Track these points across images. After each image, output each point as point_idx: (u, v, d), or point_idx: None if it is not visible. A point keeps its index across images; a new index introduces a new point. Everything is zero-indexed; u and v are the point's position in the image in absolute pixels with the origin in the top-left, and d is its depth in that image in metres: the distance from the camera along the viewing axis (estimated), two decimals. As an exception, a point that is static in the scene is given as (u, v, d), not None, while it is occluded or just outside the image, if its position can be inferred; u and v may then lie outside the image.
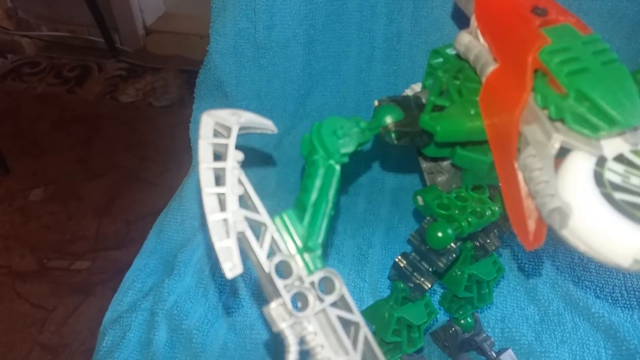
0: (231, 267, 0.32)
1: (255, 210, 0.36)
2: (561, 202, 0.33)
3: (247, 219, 0.35)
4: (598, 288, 0.68)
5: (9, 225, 1.44)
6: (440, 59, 0.47)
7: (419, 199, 0.51)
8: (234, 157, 0.36)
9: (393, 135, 0.44)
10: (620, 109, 0.33)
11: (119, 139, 1.68)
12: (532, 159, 0.36)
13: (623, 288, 0.68)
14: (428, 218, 0.50)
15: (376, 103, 0.46)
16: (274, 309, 0.32)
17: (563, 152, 0.36)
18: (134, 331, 0.63)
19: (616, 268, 0.33)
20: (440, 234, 0.48)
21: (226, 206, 0.34)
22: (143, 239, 0.78)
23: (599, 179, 0.34)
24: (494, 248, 0.54)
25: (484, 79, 0.41)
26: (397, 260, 0.53)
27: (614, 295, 0.67)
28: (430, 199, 0.50)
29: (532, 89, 0.37)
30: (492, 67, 0.41)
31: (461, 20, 0.47)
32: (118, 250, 1.36)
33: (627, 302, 0.67)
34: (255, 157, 0.83)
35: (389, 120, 0.44)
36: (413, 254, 0.52)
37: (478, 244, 0.55)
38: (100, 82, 1.90)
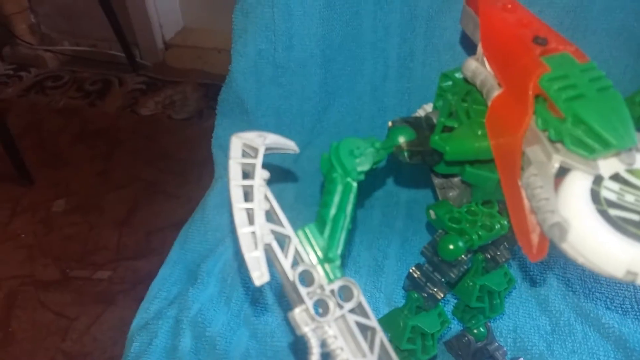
0: (259, 276, 0.35)
1: (280, 224, 0.39)
2: (560, 218, 0.35)
3: (273, 232, 0.38)
4: (608, 299, 0.70)
5: (32, 235, 1.48)
6: (450, 82, 0.50)
7: (431, 212, 0.54)
8: (261, 175, 0.39)
9: (406, 154, 0.47)
10: (614, 132, 0.36)
11: (139, 151, 1.72)
12: (534, 177, 0.39)
13: (633, 300, 0.70)
14: (440, 231, 0.53)
15: (390, 124, 0.49)
16: (298, 314, 0.35)
17: (563, 172, 0.39)
18: (160, 338, 0.66)
19: (611, 279, 0.36)
20: (451, 247, 0.50)
21: (254, 220, 0.37)
22: (163, 250, 0.80)
23: (595, 196, 0.37)
24: (504, 260, 0.57)
25: (489, 103, 0.44)
26: (411, 271, 0.55)
27: (624, 306, 0.70)
28: (442, 213, 0.53)
29: (533, 113, 0.40)
30: (496, 92, 0.44)
31: (471, 40, 0.50)
32: (138, 260, 1.39)
33: (638, 314, 0.69)
34: (275, 171, 0.86)
35: (401, 140, 0.47)
36: (426, 265, 0.54)
37: (489, 256, 0.57)
38: (120, 96, 1.95)
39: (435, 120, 0.49)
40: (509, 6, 0.47)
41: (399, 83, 0.83)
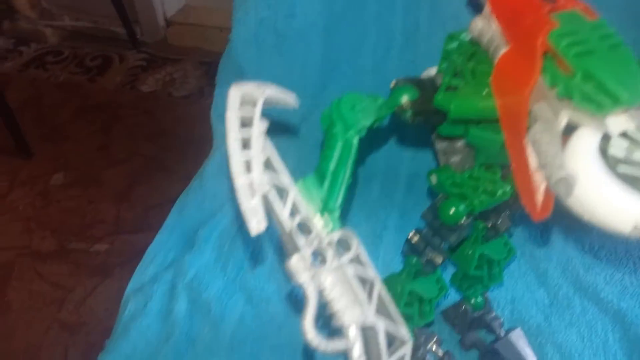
0: (256, 224, 0.35)
1: (279, 174, 0.39)
2: (567, 173, 0.35)
3: (271, 182, 0.38)
4: (608, 275, 0.70)
5: (30, 208, 1.47)
6: (455, 44, 0.50)
7: (433, 177, 0.53)
8: (259, 125, 0.39)
9: (409, 113, 0.47)
10: (624, 88, 0.35)
11: (138, 127, 1.71)
12: (540, 134, 0.38)
13: (633, 276, 0.70)
14: (441, 195, 0.53)
15: (393, 83, 0.49)
16: (295, 262, 0.35)
17: (570, 131, 0.38)
18: (155, 301, 0.66)
19: (617, 234, 0.35)
20: (452, 210, 0.50)
21: (252, 169, 0.37)
22: (161, 225, 0.80)
23: (603, 152, 0.36)
24: (505, 228, 0.57)
25: (496, 61, 0.44)
26: (410, 235, 0.55)
27: (623, 282, 0.69)
28: (443, 177, 0.52)
29: (541, 70, 0.39)
30: (504, 50, 0.43)
31: (476, 10, 0.49)
32: (136, 234, 1.39)
33: (637, 289, 0.68)
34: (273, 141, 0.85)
35: (405, 99, 0.47)
36: (426, 229, 0.54)
37: (490, 224, 0.57)
38: (121, 72, 1.94)
39: (439, 82, 0.48)
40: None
41: (403, 56, 0.82)
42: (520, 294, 0.69)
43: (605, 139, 0.37)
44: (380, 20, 0.80)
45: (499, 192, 0.50)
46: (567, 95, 0.38)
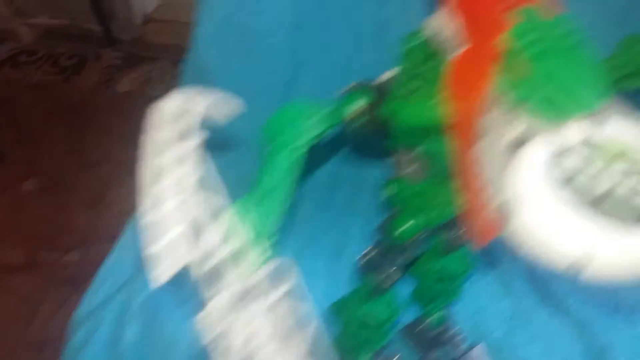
0: (161, 273, 0.30)
1: (213, 193, 0.34)
2: (511, 195, 0.32)
3: (203, 204, 0.33)
4: (570, 284, 0.66)
5: (1, 215, 1.42)
6: (414, 43, 0.46)
7: (387, 190, 0.50)
8: (196, 138, 0.34)
9: (359, 121, 0.43)
10: (581, 95, 0.33)
11: (114, 129, 1.65)
12: (488, 147, 0.35)
13: (595, 286, 0.66)
14: (394, 210, 0.49)
15: (346, 88, 0.45)
16: (215, 307, 0.30)
17: (523, 142, 0.34)
18: (105, 326, 0.62)
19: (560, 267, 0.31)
20: (406, 226, 0.47)
21: (184, 187, 0.32)
22: (135, 232, 0.75)
23: (555, 167, 0.33)
24: (463, 241, 0.53)
25: (450, 62, 0.40)
26: (364, 253, 0.52)
27: (587, 290, 0.66)
28: (397, 190, 0.49)
29: (495, 74, 0.36)
30: (458, 51, 0.39)
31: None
32: (110, 243, 1.33)
33: (599, 300, 0.66)
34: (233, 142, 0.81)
35: (355, 106, 0.43)
36: (380, 247, 0.51)
37: (448, 237, 0.53)
38: (96, 71, 1.88)
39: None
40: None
41: (373, 54, 0.78)
42: (482, 306, 0.66)
43: (558, 151, 0.33)
44: (350, 16, 0.76)
45: (454, 206, 0.46)
46: (521, 101, 0.34)
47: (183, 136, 0.35)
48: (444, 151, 0.42)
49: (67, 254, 1.32)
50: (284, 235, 0.70)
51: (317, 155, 0.40)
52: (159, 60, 1.87)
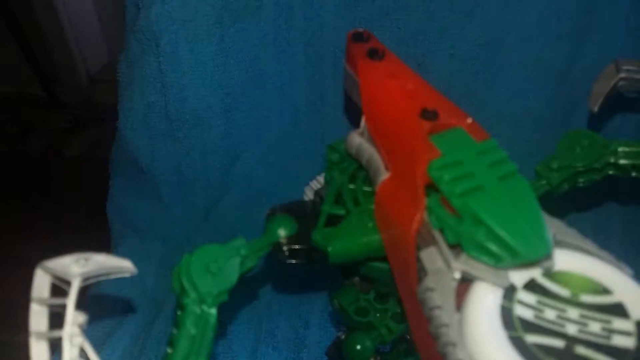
0: None
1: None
2: (464, 355, 0.27)
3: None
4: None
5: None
6: (337, 156, 0.42)
7: (335, 302, 0.46)
8: (74, 320, 0.30)
9: (286, 252, 0.39)
10: (522, 238, 0.28)
11: (65, 196, 1.61)
12: (430, 293, 0.31)
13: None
14: (343, 329, 0.45)
15: (268, 212, 0.41)
16: None
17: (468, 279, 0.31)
18: None
19: None
20: (358, 347, 0.43)
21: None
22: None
23: (507, 316, 0.28)
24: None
25: (376, 189, 0.36)
26: None
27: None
28: (346, 302, 0.45)
29: (424, 208, 0.32)
30: (383, 177, 0.36)
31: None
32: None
33: None
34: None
35: (281, 234, 0.39)
36: None
37: (409, 345, 0.50)
38: (44, 137, 1.83)
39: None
40: (392, 69, 0.38)
41: (311, 128, 0.75)
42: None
43: (508, 295, 0.29)
44: (283, 95, 0.73)
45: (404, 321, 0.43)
46: (456, 242, 0.30)
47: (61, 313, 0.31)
48: (387, 270, 0.39)
49: (21, 333, 1.26)
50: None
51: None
52: (108, 121, 1.82)
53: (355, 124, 0.45)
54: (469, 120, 0.34)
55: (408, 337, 0.49)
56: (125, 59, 0.72)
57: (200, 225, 0.79)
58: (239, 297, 0.67)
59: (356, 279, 0.47)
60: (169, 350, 0.33)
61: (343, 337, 0.45)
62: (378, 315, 0.44)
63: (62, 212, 1.54)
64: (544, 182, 0.42)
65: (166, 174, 0.76)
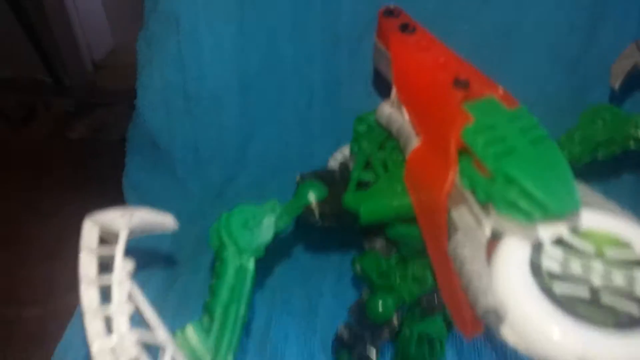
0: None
1: (151, 329, 0.32)
2: (495, 301, 0.29)
3: (141, 342, 0.31)
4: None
5: (-48, 274, 1.37)
6: (365, 126, 0.44)
7: (357, 267, 0.48)
8: (123, 267, 0.32)
9: (317, 215, 0.40)
10: (552, 195, 0.30)
11: (68, 178, 1.62)
12: (461, 248, 0.32)
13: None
14: (366, 290, 0.47)
15: (298, 178, 0.42)
16: None
17: (498, 236, 0.33)
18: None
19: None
20: (380, 308, 0.45)
21: (113, 329, 0.30)
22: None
23: (536, 268, 0.30)
24: (441, 307, 0.51)
25: (406, 156, 0.38)
26: (339, 332, 0.50)
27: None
28: (368, 265, 0.47)
29: (457, 171, 0.34)
30: (414, 144, 0.37)
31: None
32: (71, 293, 1.29)
33: None
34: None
35: (311, 198, 0.41)
36: (355, 326, 0.49)
37: (424, 303, 0.51)
38: (48, 121, 1.84)
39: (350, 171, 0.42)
40: (423, 43, 0.40)
41: (326, 109, 0.77)
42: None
43: (537, 250, 0.31)
44: (299, 76, 0.74)
45: (431, 279, 0.45)
46: (487, 201, 0.32)
47: (109, 264, 0.33)
48: (413, 236, 0.40)
49: (27, 309, 1.27)
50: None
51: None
52: (112, 106, 1.84)
53: (370, 105, 0.47)
54: (501, 90, 0.36)
55: (425, 300, 0.51)
56: (144, 39, 0.73)
57: (214, 201, 0.81)
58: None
59: (379, 243, 0.48)
60: (210, 303, 0.34)
61: (365, 297, 0.47)
62: (399, 278, 0.46)
63: (66, 195, 1.55)
64: (565, 152, 0.44)
65: (183, 151, 0.78)
